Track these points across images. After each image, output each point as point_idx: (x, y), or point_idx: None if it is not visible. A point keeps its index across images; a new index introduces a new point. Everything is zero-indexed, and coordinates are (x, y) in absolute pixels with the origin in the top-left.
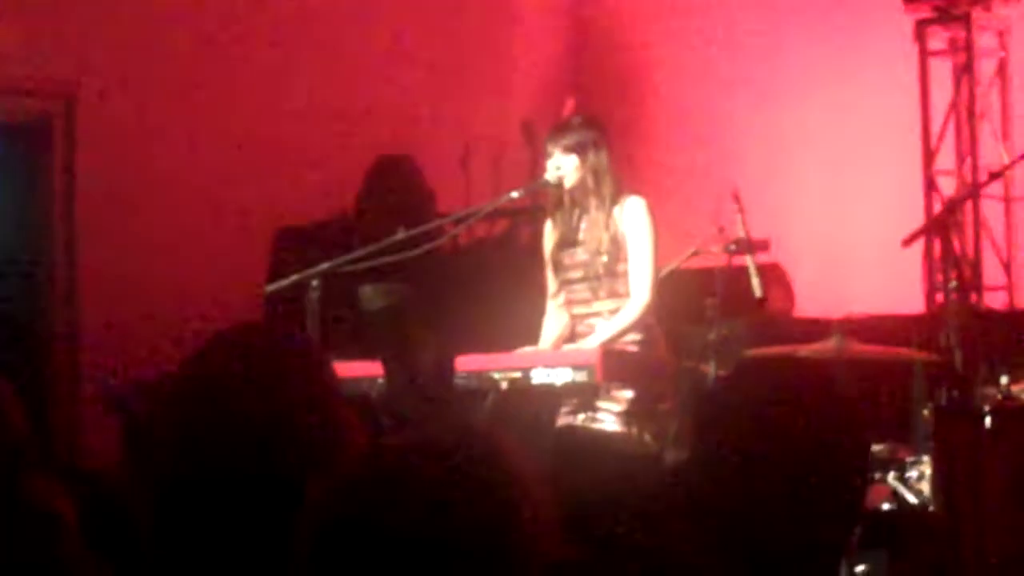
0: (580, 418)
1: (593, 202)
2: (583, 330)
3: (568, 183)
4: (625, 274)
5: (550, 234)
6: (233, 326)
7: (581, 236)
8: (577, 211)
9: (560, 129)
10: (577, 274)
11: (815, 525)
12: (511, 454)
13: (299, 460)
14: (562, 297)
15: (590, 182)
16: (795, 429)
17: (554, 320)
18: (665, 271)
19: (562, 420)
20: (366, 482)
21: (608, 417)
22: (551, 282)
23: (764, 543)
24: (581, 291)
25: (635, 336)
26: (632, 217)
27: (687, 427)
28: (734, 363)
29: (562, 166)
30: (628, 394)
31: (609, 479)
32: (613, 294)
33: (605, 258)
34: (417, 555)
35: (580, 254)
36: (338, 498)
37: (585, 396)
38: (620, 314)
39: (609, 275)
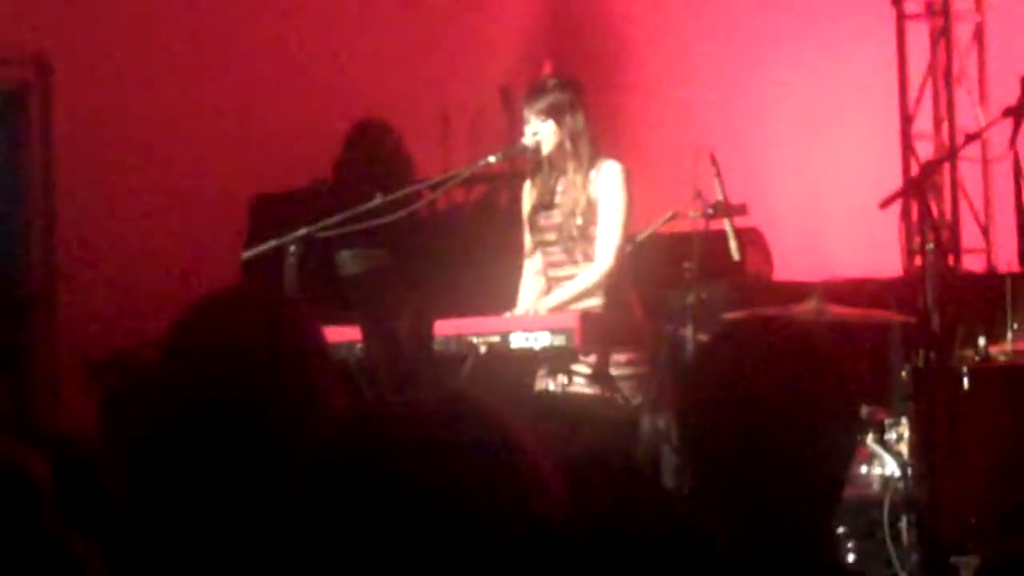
0: (555, 382)
1: (571, 165)
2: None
3: (546, 148)
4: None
5: (528, 197)
6: (220, 289)
7: (557, 199)
8: (555, 174)
9: (536, 92)
10: (551, 236)
11: (807, 481)
12: (504, 417)
13: (286, 420)
14: (538, 259)
15: (568, 146)
16: (781, 388)
17: (532, 282)
18: (643, 235)
19: (538, 384)
20: (361, 439)
21: (581, 380)
22: (528, 244)
23: (758, 496)
24: (556, 253)
25: (601, 300)
26: (606, 181)
27: (665, 390)
28: (717, 324)
29: (539, 131)
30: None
31: (588, 442)
32: (589, 257)
33: (580, 220)
34: (415, 505)
35: (555, 216)
36: (330, 446)
37: (563, 359)
38: (579, 277)
39: (584, 238)
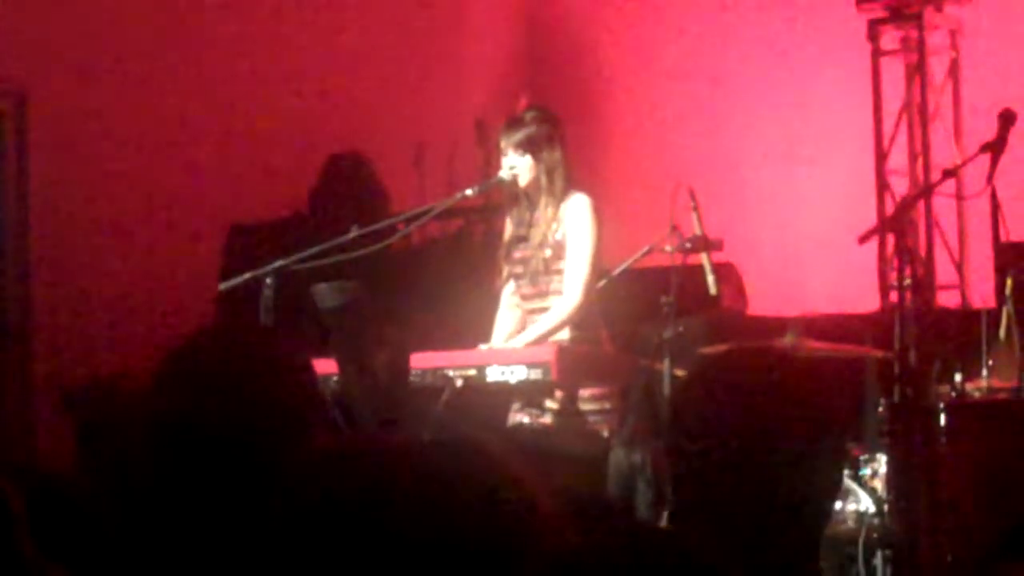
0: (528, 416)
1: (544, 198)
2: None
3: (522, 181)
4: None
5: (507, 231)
6: (210, 323)
7: (531, 232)
8: (530, 208)
9: (513, 125)
10: (519, 269)
11: (793, 514)
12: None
13: (274, 452)
14: (511, 290)
15: (543, 180)
16: (765, 420)
17: (506, 315)
18: (619, 269)
19: (511, 418)
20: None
21: (548, 415)
22: (504, 275)
23: (743, 529)
24: (525, 286)
25: (569, 334)
26: (574, 215)
27: (641, 425)
28: (698, 357)
29: (516, 165)
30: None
31: (560, 477)
32: (558, 290)
33: (548, 253)
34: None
35: (526, 249)
36: (319, 479)
37: (539, 393)
38: (549, 313)
39: (550, 271)
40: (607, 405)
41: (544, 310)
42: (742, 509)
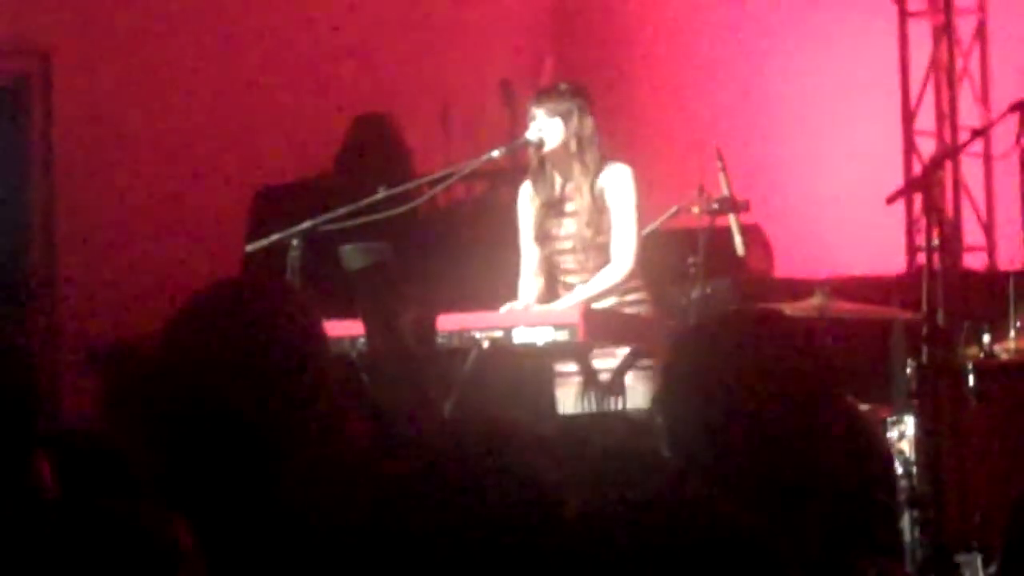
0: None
1: (577, 169)
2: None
3: (549, 145)
4: (609, 245)
5: (531, 199)
6: (218, 280)
7: (567, 207)
8: (559, 178)
9: (546, 93)
10: (567, 245)
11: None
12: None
13: (286, 413)
14: (535, 262)
15: (573, 147)
16: (761, 382)
17: (531, 280)
18: (646, 231)
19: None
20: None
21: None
22: (529, 248)
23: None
24: (569, 262)
25: (633, 296)
26: (617, 185)
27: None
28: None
29: (544, 128)
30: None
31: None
32: (601, 266)
33: (588, 231)
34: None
35: (569, 225)
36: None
37: (567, 354)
38: (601, 277)
39: (596, 246)
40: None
41: (585, 281)
42: (750, 487)
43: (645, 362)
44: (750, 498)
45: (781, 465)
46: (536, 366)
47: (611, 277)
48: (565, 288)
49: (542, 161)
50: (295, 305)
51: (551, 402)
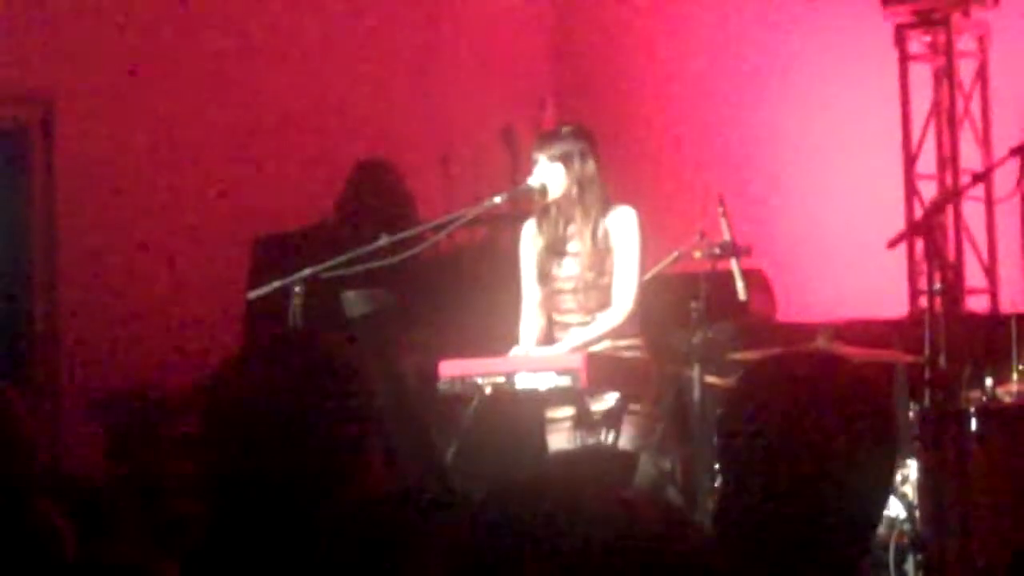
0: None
1: (579, 212)
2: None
3: (553, 193)
4: (610, 287)
5: (534, 239)
6: (278, 333)
7: (569, 247)
8: (563, 220)
9: (548, 138)
10: (567, 286)
11: (845, 513)
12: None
13: (326, 478)
14: (537, 302)
15: (575, 192)
16: (819, 419)
17: (532, 321)
18: (648, 275)
19: (553, 436)
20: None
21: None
22: (531, 287)
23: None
24: (568, 301)
25: (627, 342)
26: (622, 227)
27: (671, 432)
28: (749, 363)
29: (547, 174)
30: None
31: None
32: (601, 306)
33: (590, 273)
34: None
35: (569, 266)
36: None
37: (569, 401)
38: (600, 320)
39: (596, 288)
40: (643, 410)
41: (586, 324)
42: (795, 514)
43: (635, 407)
44: (785, 529)
45: (824, 499)
46: (530, 412)
47: (610, 321)
48: (560, 328)
49: (546, 206)
50: (342, 357)
51: (544, 446)
